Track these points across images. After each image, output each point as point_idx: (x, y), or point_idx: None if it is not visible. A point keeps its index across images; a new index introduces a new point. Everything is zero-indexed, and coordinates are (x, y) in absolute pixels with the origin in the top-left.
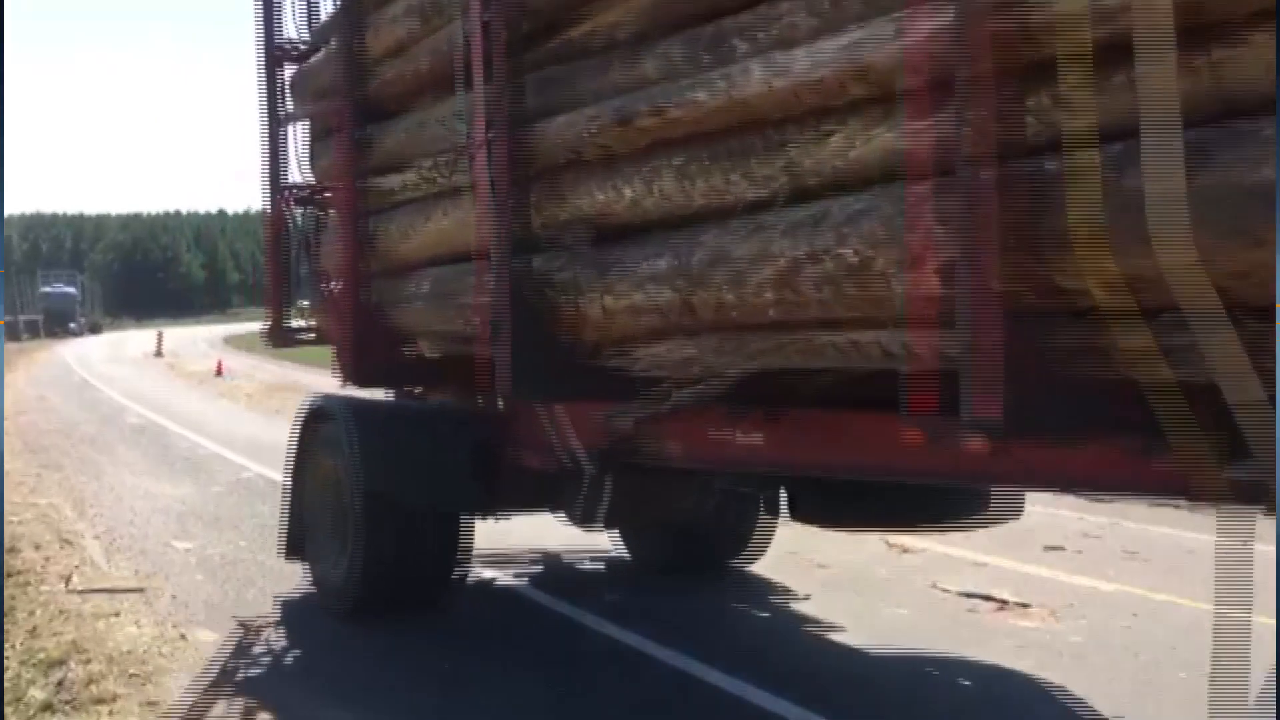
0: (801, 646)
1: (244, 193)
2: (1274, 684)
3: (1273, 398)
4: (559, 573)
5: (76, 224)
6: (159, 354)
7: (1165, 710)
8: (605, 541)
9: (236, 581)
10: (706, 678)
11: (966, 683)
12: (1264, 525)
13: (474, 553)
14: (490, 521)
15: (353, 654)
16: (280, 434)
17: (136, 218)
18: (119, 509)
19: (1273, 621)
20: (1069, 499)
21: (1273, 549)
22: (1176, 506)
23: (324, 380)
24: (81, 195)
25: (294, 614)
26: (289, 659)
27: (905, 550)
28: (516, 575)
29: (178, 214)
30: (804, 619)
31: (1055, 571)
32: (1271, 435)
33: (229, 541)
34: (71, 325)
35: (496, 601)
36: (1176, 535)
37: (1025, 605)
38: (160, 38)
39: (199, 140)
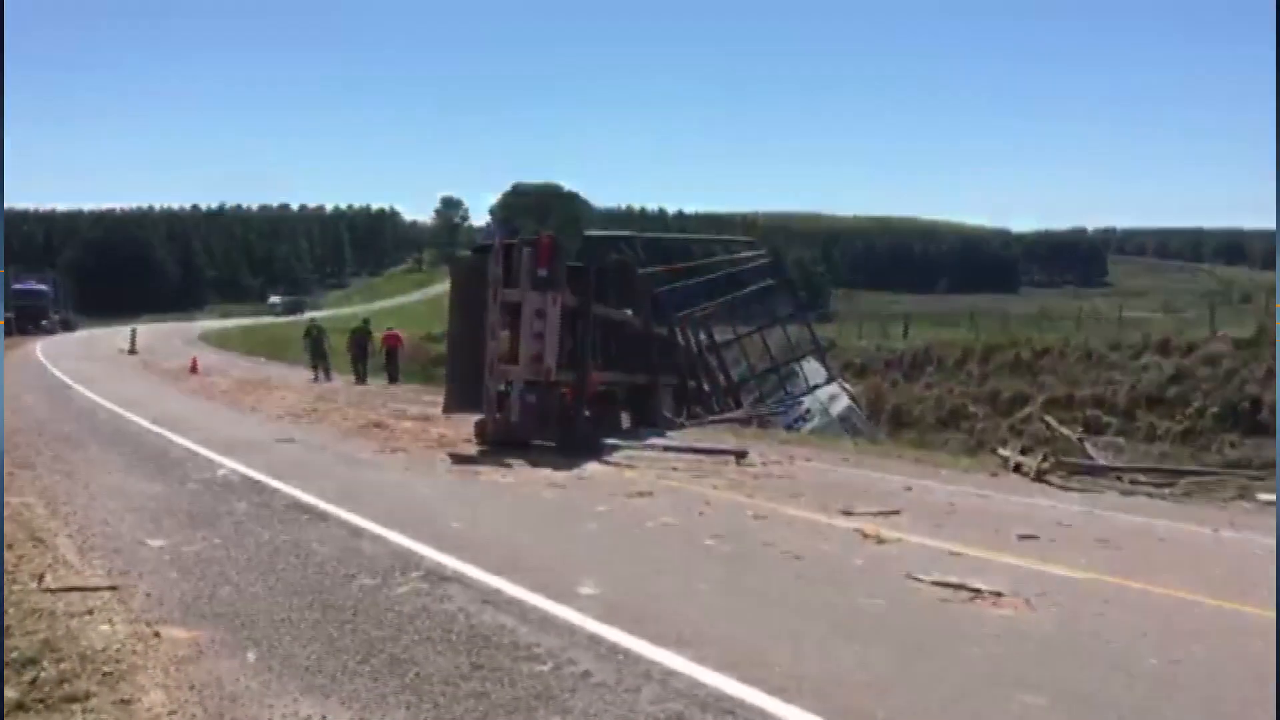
0: (772, 637)
1: (217, 188)
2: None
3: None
4: None
5: (48, 220)
6: (133, 351)
7: (1135, 695)
8: None
9: (211, 579)
10: (689, 672)
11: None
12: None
13: None
14: None
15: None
16: (256, 431)
17: (109, 214)
18: (92, 507)
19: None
20: (1045, 489)
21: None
22: (1150, 496)
23: (295, 375)
24: (53, 191)
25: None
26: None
27: (880, 541)
28: None
29: (151, 210)
30: (778, 608)
31: (1029, 560)
32: None
33: (203, 539)
34: (44, 323)
35: None
36: (1150, 524)
37: (999, 594)
38: (133, 28)
39: (172, 135)
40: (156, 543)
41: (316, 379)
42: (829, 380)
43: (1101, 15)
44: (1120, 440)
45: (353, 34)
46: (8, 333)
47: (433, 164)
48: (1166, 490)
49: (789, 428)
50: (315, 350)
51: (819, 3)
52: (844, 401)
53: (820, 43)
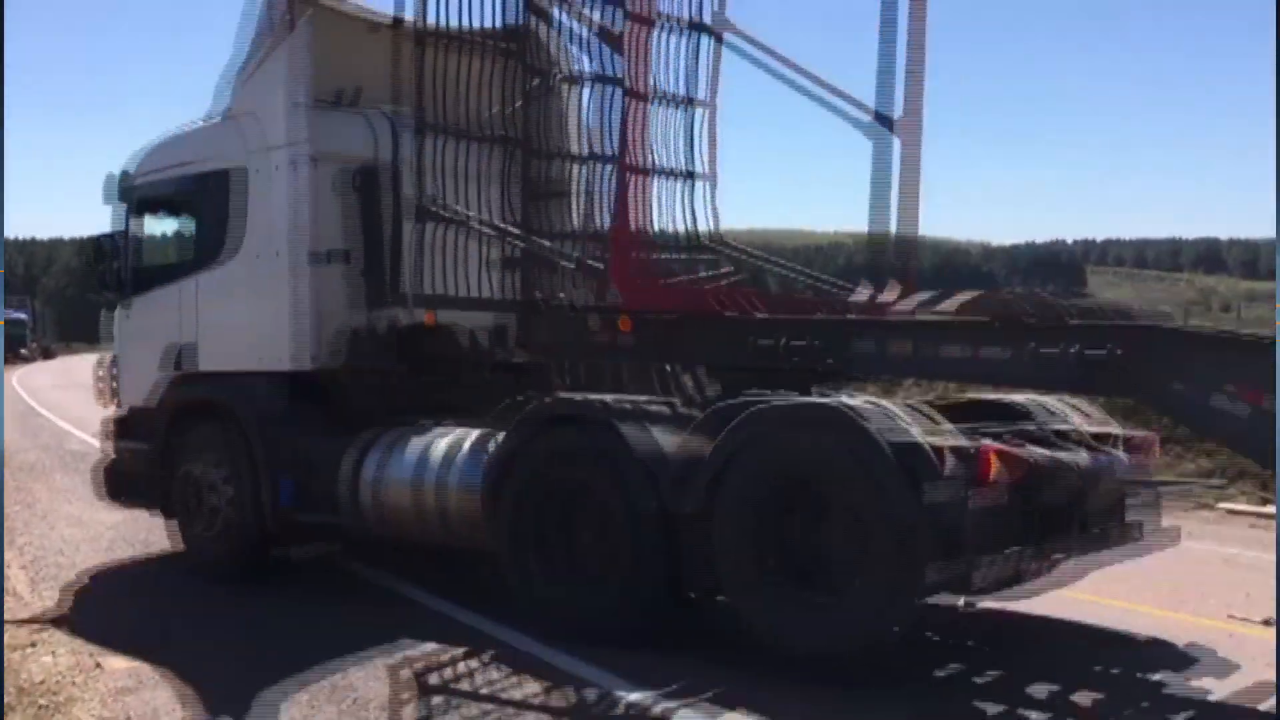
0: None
1: None
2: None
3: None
4: None
5: (28, 249)
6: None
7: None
8: None
9: (163, 608)
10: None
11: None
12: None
13: None
14: None
15: None
16: None
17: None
18: (49, 537)
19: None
20: None
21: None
22: None
23: None
24: (33, 221)
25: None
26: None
27: None
28: None
29: None
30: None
31: None
32: None
33: (163, 568)
34: (22, 351)
35: None
36: None
37: (952, 606)
38: (113, 51)
39: None
40: (111, 572)
41: None
42: None
43: (1081, 26)
44: None
45: None
46: None
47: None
48: None
49: None
50: None
51: (797, 10)
52: None
53: (796, 54)
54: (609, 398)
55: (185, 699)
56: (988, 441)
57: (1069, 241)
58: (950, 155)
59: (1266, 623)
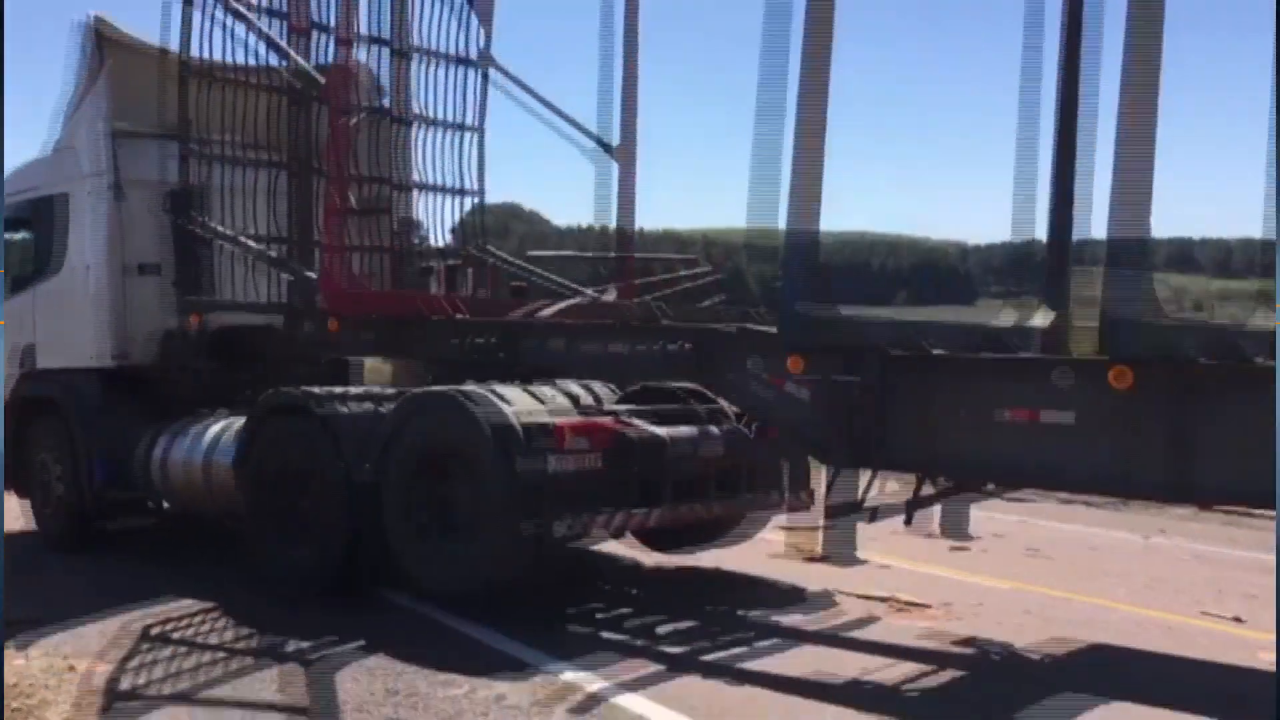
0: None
1: None
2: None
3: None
4: None
5: None
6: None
7: (1044, 702)
8: None
9: (140, 607)
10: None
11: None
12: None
13: None
14: None
15: None
16: None
17: None
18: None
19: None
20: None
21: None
22: (1088, 504)
23: None
24: None
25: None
26: None
27: (812, 557)
28: None
29: None
30: (701, 628)
31: (958, 572)
32: None
33: (141, 561)
34: None
35: None
36: (1083, 532)
37: (925, 606)
38: None
39: None
40: (86, 568)
41: None
42: None
43: (1048, 24)
44: None
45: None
46: None
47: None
48: (1105, 499)
49: None
50: None
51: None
52: None
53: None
54: (319, 389)
55: (160, 700)
56: (563, 419)
57: (1044, 241)
58: (929, 158)
59: (1237, 619)
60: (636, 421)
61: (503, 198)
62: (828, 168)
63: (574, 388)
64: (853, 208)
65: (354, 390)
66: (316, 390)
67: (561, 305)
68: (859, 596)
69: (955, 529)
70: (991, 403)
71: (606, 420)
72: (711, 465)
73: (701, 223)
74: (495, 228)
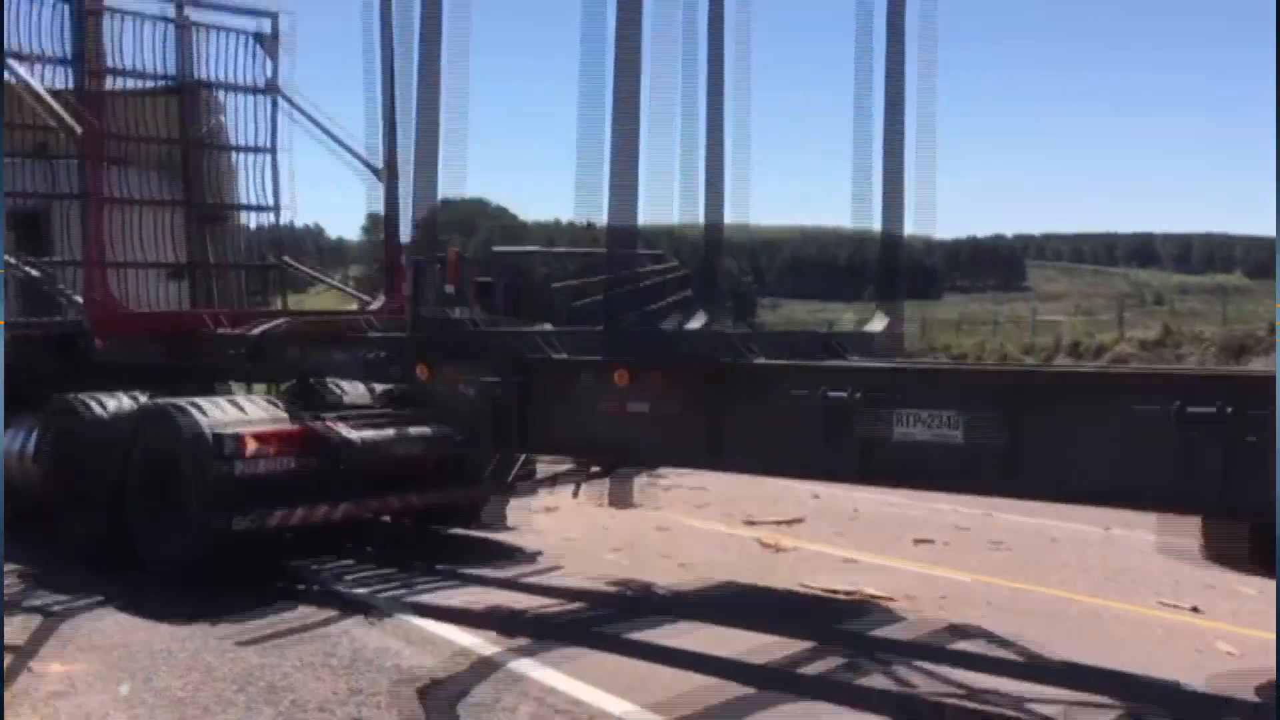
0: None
1: None
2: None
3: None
4: None
5: None
6: None
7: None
8: None
9: (95, 610)
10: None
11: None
12: None
13: None
14: None
15: None
16: None
17: None
18: None
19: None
20: (949, 494)
21: None
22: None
23: None
24: None
25: None
26: None
27: (779, 550)
28: None
29: None
30: (670, 620)
31: (921, 565)
32: None
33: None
34: None
35: None
36: (1044, 525)
37: (888, 599)
38: None
39: None
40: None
41: None
42: None
43: (1014, 22)
44: None
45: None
46: None
47: (359, 181)
48: None
49: None
50: None
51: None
52: None
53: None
54: (89, 395)
55: (119, 702)
56: (249, 428)
57: (1009, 236)
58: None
59: (1195, 609)
60: (337, 426)
61: (472, 191)
62: (805, 164)
63: (346, 388)
64: (825, 204)
65: (125, 396)
66: (84, 396)
67: (277, 322)
68: (823, 590)
69: (621, 500)
70: (595, 398)
71: (294, 428)
72: (415, 463)
73: (666, 218)
74: (463, 222)
